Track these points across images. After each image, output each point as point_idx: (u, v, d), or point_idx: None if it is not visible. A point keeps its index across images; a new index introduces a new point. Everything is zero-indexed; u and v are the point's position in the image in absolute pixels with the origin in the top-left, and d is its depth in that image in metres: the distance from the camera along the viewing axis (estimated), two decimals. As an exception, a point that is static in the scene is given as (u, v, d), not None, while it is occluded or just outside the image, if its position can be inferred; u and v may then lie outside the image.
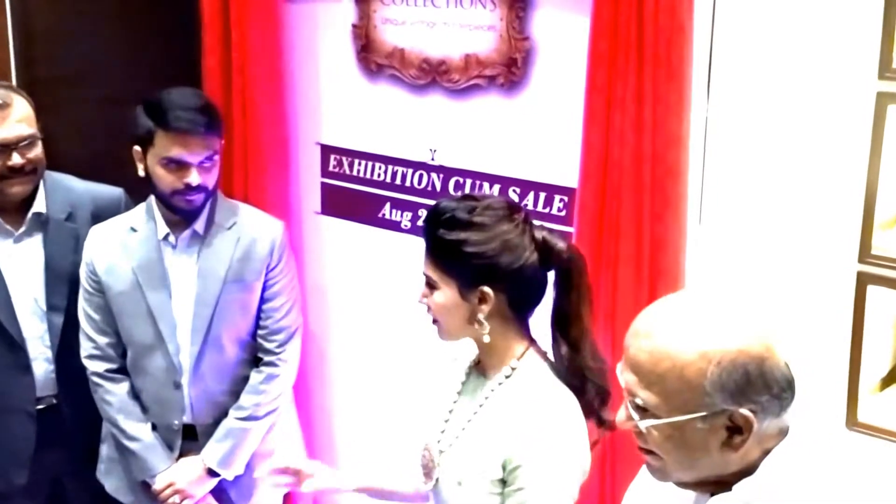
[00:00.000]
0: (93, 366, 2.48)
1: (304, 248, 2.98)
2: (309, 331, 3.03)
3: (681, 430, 1.22)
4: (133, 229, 2.44)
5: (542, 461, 1.63)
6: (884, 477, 2.07)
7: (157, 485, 2.46)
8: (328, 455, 3.13)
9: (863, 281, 2.03)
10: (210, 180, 2.36)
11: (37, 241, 2.49)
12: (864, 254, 2.01)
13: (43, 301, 2.50)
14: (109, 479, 2.57)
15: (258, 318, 2.51)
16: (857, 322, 2.05)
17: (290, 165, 2.92)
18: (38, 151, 2.44)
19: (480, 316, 1.67)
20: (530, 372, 1.71)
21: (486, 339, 1.69)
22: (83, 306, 2.47)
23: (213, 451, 2.49)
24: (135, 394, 2.49)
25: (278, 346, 2.52)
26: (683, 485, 1.31)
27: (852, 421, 2.10)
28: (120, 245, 2.43)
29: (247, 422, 2.50)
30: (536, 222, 1.73)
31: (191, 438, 2.52)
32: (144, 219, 2.46)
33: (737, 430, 1.21)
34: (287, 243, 2.55)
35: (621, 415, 1.29)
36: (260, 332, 2.52)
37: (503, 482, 1.67)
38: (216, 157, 2.36)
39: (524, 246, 1.66)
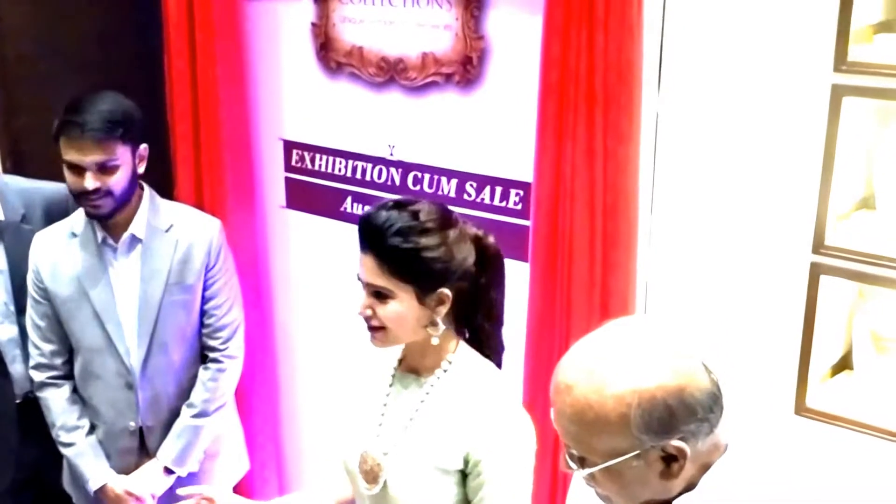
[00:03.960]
0: (38, 375, 2.25)
1: (269, 241, 2.78)
2: (274, 322, 2.83)
3: (618, 472, 1.14)
4: (73, 234, 2.22)
5: (504, 451, 1.54)
6: (829, 461, 1.94)
7: (101, 489, 2.25)
8: (294, 446, 2.94)
9: (816, 271, 1.87)
10: (113, 184, 2.10)
11: None
12: (818, 245, 1.84)
13: (12, 304, 2.28)
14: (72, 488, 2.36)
15: (201, 316, 2.31)
16: (809, 311, 1.90)
17: (255, 161, 2.71)
18: None
19: (437, 318, 1.54)
20: (468, 363, 1.60)
21: (436, 340, 1.56)
22: (30, 314, 2.24)
23: (168, 450, 2.29)
24: (75, 399, 2.27)
25: (222, 343, 2.33)
26: None
27: (801, 407, 1.95)
28: (62, 251, 2.20)
29: (199, 418, 2.31)
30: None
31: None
32: (83, 223, 2.22)
33: (672, 459, 1.14)
34: (224, 242, 2.34)
35: (562, 462, 1.21)
36: (204, 330, 2.32)
37: (463, 474, 1.55)
38: (117, 162, 2.09)
39: (467, 245, 1.55)
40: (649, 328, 1.17)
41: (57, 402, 2.24)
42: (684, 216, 2.01)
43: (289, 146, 2.68)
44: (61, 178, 2.38)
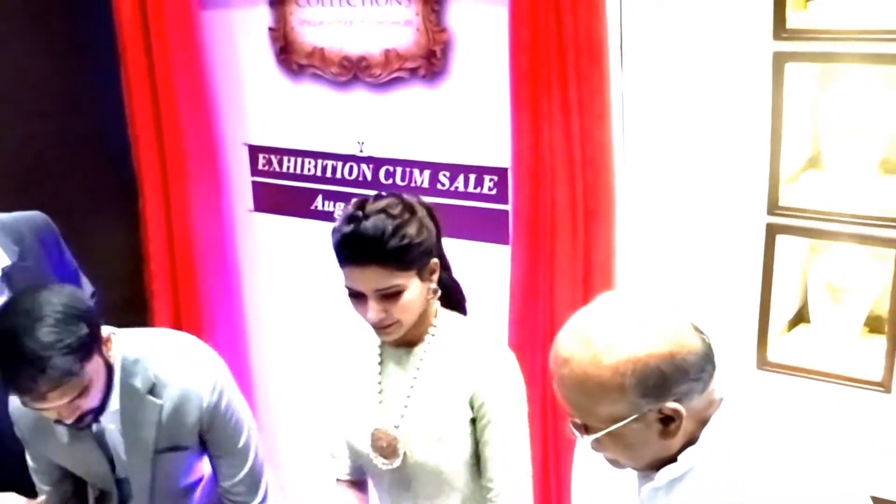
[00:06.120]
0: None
1: (238, 245, 2.81)
2: (247, 325, 2.85)
3: (620, 435, 1.22)
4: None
5: (503, 389, 1.66)
6: (792, 410, 2.04)
7: None
8: (270, 446, 2.92)
9: (771, 231, 1.99)
10: (87, 407, 1.79)
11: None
12: (773, 206, 1.96)
13: None
14: None
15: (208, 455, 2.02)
16: (766, 269, 2.02)
17: (220, 167, 2.74)
18: None
19: (433, 286, 1.67)
20: (451, 322, 1.72)
21: (435, 304, 1.69)
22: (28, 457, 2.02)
23: None
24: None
25: (244, 498, 2.04)
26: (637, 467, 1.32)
27: (763, 361, 2.07)
28: (45, 427, 1.92)
29: None
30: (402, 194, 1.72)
31: None
32: None
33: (669, 419, 1.21)
34: (222, 399, 1.91)
35: (568, 431, 1.29)
36: (223, 484, 2.01)
37: (473, 420, 1.67)
38: (83, 388, 1.74)
39: (425, 216, 1.66)
40: (639, 300, 1.25)
41: None
42: (649, 188, 2.11)
43: (254, 151, 2.71)
44: (21, 194, 2.34)
